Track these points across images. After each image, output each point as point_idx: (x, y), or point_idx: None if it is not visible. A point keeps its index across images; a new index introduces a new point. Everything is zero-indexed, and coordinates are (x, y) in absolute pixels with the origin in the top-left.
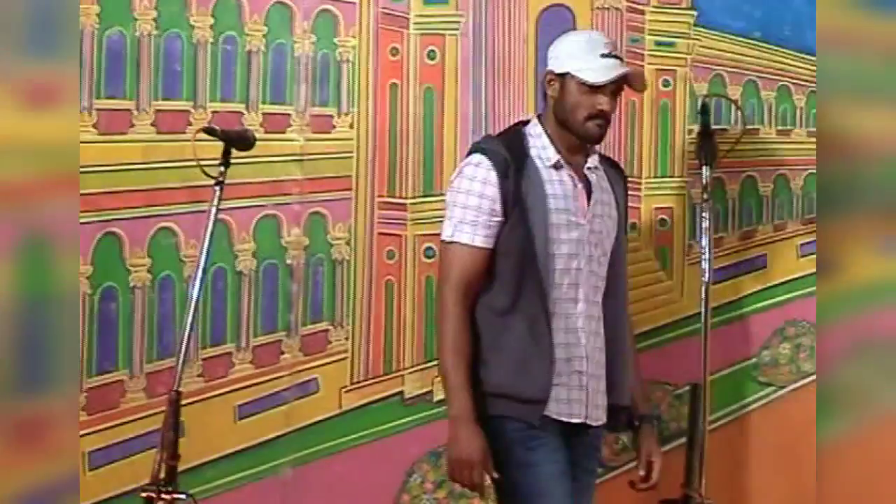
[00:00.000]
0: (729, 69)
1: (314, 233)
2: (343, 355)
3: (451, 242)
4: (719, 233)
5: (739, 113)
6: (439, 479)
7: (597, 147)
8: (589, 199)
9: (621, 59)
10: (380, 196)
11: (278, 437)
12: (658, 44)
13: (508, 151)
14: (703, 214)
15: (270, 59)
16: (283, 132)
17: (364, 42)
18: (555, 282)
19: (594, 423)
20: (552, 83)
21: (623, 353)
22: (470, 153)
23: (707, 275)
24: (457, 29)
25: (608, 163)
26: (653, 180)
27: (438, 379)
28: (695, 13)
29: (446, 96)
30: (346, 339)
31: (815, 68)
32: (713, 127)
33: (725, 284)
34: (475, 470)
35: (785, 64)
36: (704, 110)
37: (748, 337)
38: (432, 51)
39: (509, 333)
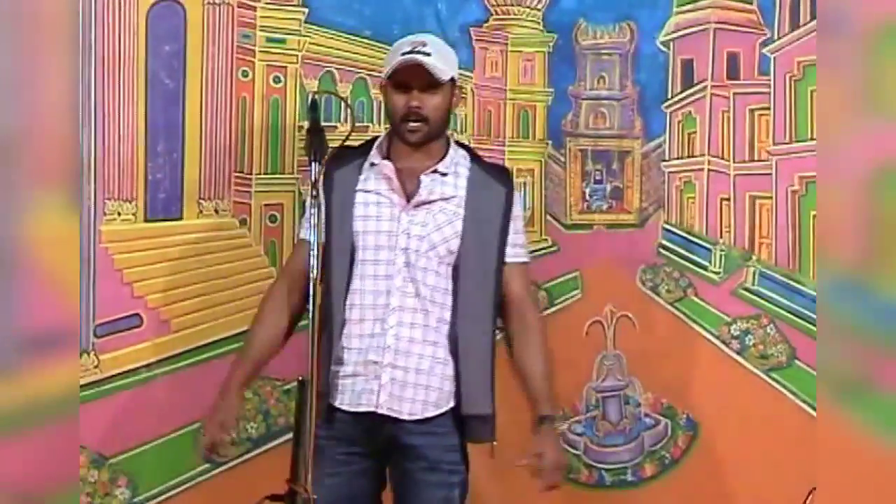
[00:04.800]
0: (339, 66)
1: None
2: None
3: None
4: None
5: (349, 110)
6: None
7: (452, 154)
8: (409, 197)
9: (428, 54)
10: None
11: None
12: (269, 40)
13: (350, 154)
14: (312, 211)
15: None
16: None
17: None
18: (360, 273)
19: (398, 416)
20: (382, 96)
21: (474, 360)
22: None
23: (315, 271)
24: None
25: (494, 173)
26: (263, 177)
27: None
28: (306, 10)
29: None
30: None
31: None
32: (323, 124)
33: None
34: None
35: None
36: (314, 107)
37: None
38: None
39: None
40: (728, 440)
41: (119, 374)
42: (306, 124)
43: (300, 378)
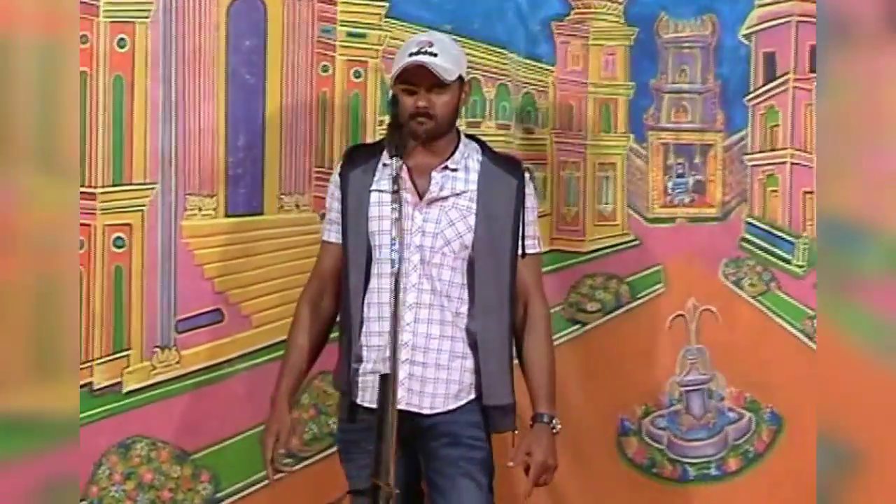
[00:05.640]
0: None
1: None
2: None
3: None
4: None
5: None
6: (128, 470)
7: (461, 149)
8: (421, 194)
9: (434, 55)
10: None
11: None
12: (350, 35)
13: (365, 153)
14: (394, 206)
15: None
16: None
17: None
18: (377, 272)
19: (418, 410)
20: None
21: (492, 353)
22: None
23: (396, 265)
24: (147, 17)
25: (505, 165)
26: None
27: (131, 371)
28: (386, 4)
29: (136, 85)
30: None
31: (504, 61)
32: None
33: None
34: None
35: (475, 56)
36: (395, 102)
37: None
38: (122, 39)
39: (339, 328)
40: (812, 434)
41: (200, 369)
42: (387, 119)
43: (382, 374)
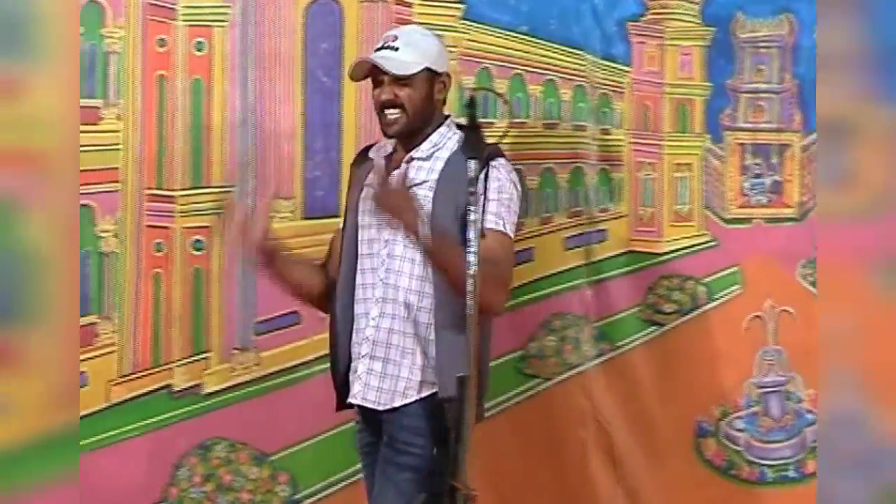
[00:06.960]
0: (496, 63)
1: (82, 225)
2: (111, 348)
3: None
4: None
5: (506, 107)
6: (207, 472)
7: (434, 139)
8: None
9: (396, 49)
10: (148, 188)
11: None
12: None
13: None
14: (470, 208)
15: None
16: None
17: (131, 33)
18: (360, 267)
19: (373, 406)
20: None
21: (447, 346)
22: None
23: (472, 268)
24: (225, 20)
25: (470, 151)
26: None
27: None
28: (462, 6)
29: (214, 88)
30: (114, 332)
31: (581, 62)
32: (480, 120)
33: None
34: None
35: (551, 58)
36: (471, 104)
37: (515, 329)
38: (200, 42)
39: (332, 322)
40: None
41: (278, 371)
42: (464, 121)
43: (460, 375)
